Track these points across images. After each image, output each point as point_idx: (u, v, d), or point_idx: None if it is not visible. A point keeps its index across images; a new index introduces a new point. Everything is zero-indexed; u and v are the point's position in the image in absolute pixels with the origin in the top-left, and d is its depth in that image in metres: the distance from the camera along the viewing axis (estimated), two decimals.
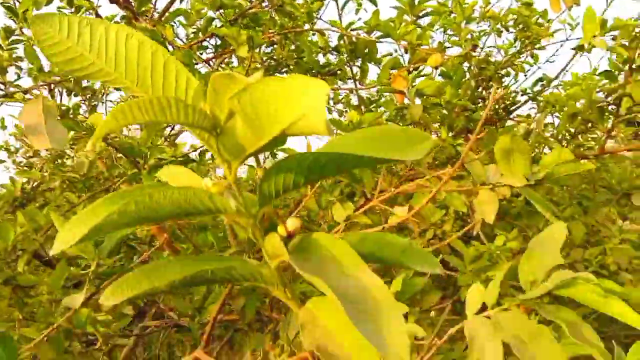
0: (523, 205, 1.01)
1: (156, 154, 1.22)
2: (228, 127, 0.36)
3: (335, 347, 0.36)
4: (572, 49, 2.27)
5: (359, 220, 1.09)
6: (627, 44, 1.67)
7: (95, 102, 2.00)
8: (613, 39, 1.77)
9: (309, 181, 0.38)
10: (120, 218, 0.34)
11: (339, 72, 2.04)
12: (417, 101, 1.58)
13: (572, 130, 2.42)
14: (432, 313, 1.59)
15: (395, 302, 0.33)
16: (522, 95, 2.84)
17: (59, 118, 0.95)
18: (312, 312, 0.39)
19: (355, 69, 2.19)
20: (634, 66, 1.64)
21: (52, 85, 1.68)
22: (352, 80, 2.29)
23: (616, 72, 1.80)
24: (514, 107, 2.80)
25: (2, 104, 1.27)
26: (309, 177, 0.37)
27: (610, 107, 1.83)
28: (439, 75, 2.10)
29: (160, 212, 0.36)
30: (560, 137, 2.41)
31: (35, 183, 2.11)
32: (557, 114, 2.43)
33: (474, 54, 2.07)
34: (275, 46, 2.28)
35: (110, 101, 2.20)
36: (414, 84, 1.46)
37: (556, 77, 2.75)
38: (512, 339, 0.60)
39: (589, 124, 2.03)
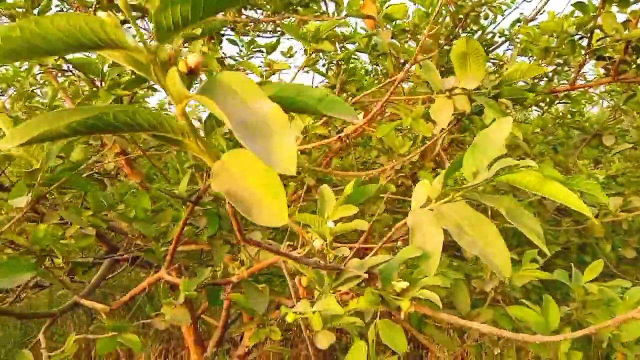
0: (483, 125, 1.01)
1: (114, 73, 1.18)
2: None
3: (243, 190, 0.36)
4: None
5: (317, 130, 1.07)
6: None
7: None
8: None
9: (208, 11, 0.36)
10: (5, 44, 0.32)
11: (310, 4, 1.99)
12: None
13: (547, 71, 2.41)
14: (399, 243, 1.61)
15: (288, 126, 0.33)
16: (499, 37, 2.81)
17: None
18: (224, 163, 0.39)
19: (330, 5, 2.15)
20: None
21: None
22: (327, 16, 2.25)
23: (591, 11, 1.78)
24: (491, 49, 2.78)
25: None
26: (207, 5, 0.35)
27: (581, 42, 1.82)
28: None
29: (49, 41, 0.34)
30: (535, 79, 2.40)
31: None
32: (533, 57, 2.42)
33: None
34: None
35: None
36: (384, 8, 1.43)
37: (533, 18, 2.73)
38: (453, 226, 0.60)
39: (562, 61, 2.02)
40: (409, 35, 1.54)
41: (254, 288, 0.99)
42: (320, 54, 2.81)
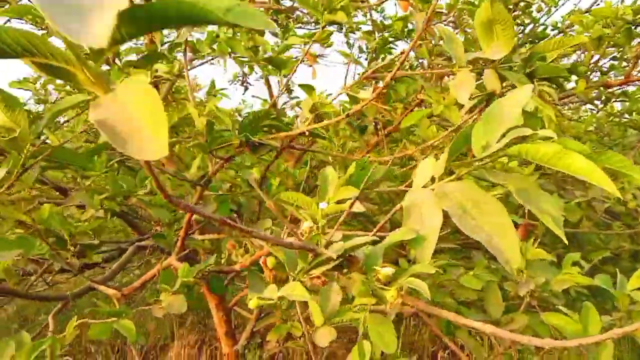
0: None
1: (129, 52, 1.14)
2: None
3: (123, 121, 0.30)
4: None
5: (326, 109, 0.99)
6: None
7: None
8: None
9: None
10: None
11: None
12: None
13: (601, 65, 2.26)
14: None
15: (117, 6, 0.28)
16: (552, 29, 2.68)
17: None
18: (117, 95, 0.32)
19: None
20: None
21: None
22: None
23: None
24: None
25: None
26: None
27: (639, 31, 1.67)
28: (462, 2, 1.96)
29: None
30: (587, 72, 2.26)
31: None
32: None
33: None
34: None
35: None
36: None
37: (589, 10, 2.57)
38: (455, 208, 0.51)
39: (618, 54, 1.87)
40: (443, 18, 1.44)
41: (258, 278, 0.92)
42: (364, 45, 2.74)
